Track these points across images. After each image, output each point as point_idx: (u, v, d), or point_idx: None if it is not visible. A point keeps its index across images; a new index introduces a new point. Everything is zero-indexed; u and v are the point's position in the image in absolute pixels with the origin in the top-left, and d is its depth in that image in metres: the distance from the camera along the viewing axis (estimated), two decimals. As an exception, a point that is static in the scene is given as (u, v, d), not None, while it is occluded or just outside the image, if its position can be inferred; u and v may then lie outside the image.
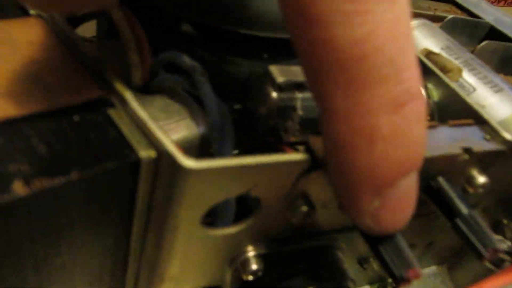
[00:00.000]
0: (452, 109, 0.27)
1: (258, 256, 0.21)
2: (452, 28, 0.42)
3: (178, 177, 0.15)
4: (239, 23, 0.24)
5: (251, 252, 0.21)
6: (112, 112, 0.16)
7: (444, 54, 0.31)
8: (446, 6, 0.48)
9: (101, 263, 0.19)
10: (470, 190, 0.24)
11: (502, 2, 0.75)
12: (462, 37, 0.43)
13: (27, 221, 0.14)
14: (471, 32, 0.44)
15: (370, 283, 0.33)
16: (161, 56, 0.21)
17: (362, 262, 0.29)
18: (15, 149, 0.14)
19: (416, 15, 0.39)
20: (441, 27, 0.42)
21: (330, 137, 0.15)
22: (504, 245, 0.32)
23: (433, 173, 0.23)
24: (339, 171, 0.16)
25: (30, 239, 0.14)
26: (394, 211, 0.16)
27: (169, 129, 0.20)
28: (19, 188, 0.13)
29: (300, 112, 0.24)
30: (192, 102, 0.21)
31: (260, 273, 0.22)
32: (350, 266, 0.28)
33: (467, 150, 0.22)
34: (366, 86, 0.14)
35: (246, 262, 0.21)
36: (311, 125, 0.23)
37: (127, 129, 0.16)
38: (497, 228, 0.33)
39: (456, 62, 0.30)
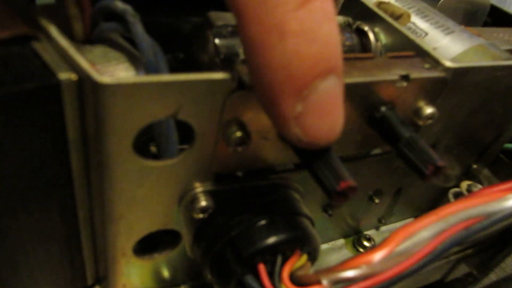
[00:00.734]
0: (399, 50, 0.27)
1: (207, 193, 0.22)
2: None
3: (98, 97, 0.16)
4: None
5: (198, 189, 0.22)
6: (36, 45, 0.17)
7: (397, 4, 0.32)
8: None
9: (46, 206, 0.20)
10: (419, 122, 0.25)
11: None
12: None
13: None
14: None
15: (345, 237, 0.34)
16: (96, 6, 0.22)
17: (327, 208, 0.29)
18: None
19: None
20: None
21: (246, 42, 0.16)
22: (475, 188, 0.32)
23: (376, 104, 0.23)
24: (258, 76, 0.16)
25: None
26: (319, 117, 0.17)
27: (107, 71, 0.20)
28: None
29: (242, 58, 0.24)
30: (132, 48, 0.22)
31: (210, 210, 0.22)
32: (316, 216, 0.29)
33: (404, 77, 0.22)
34: None
35: (195, 199, 0.22)
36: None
37: (49, 58, 0.17)
38: (468, 173, 0.33)
39: (405, 8, 0.30)
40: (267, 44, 0.15)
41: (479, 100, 0.27)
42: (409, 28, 0.30)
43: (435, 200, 0.35)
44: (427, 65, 0.24)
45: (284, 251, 0.22)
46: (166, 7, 0.27)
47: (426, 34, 0.30)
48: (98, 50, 0.21)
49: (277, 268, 0.21)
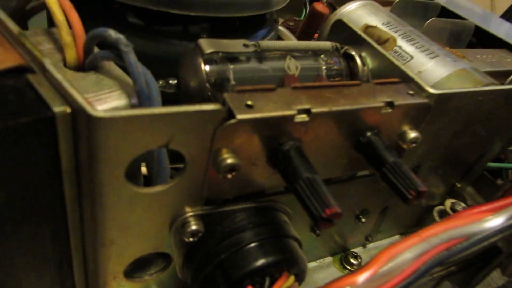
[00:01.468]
0: (386, 75, 0.28)
1: (197, 217, 0.22)
2: (404, 10, 0.44)
3: (92, 129, 0.16)
4: (171, 4, 0.26)
5: (189, 213, 0.22)
6: (31, 77, 0.18)
7: (384, 28, 0.33)
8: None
9: (39, 232, 0.20)
10: (404, 145, 0.25)
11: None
12: (415, 19, 0.45)
13: None
14: (423, 13, 0.46)
15: (332, 254, 0.34)
16: (89, 34, 0.22)
17: (315, 228, 0.29)
18: None
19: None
20: (391, 9, 0.43)
21: None
22: (459, 206, 0.33)
23: (362, 129, 0.24)
24: None
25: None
26: None
27: (100, 99, 0.21)
28: None
29: (233, 83, 0.25)
30: (124, 76, 0.22)
31: (200, 234, 0.23)
32: (304, 236, 0.29)
33: (389, 103, 0.23)
34: None
35: (185, 224, 0.22)
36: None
37: (44, 91, 0.17)
38: (453, 192, 0.34)
39: (391, 32, 0.31)
40: None
41: (462, 124, 0.28)
42: (396, 52, 0.31)
43: (421, 218, 0.36)
44: (411, 92, 0.25)
45: (272, 273, 0.22)
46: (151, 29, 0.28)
47: (412, 57, 0.31)
48: (91, 78, 0.22)
49: (265, 290, 0.22)
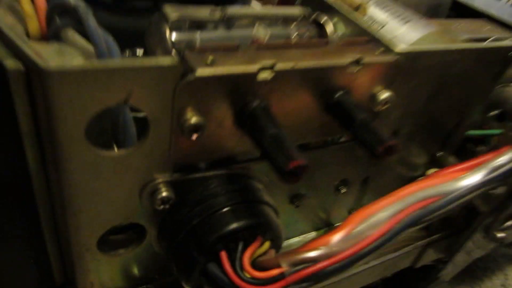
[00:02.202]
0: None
1: (168, 184, 0.22)
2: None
3: (46, 85, 0.16)
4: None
5: (159, 180, 0.22)
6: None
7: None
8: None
9: (3, 204, 0.20)
10: (376, 107, 0.25)
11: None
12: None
13: None
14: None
15: (316, 230, 0.34)
16: (50, 3, 0.22)
17: (293, 200, 0.29)
18: None
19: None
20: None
21: None
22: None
23: (331, 90, 0.23)
24: None
25: None
26: None
27: (61, 66, 0.21)
28: None
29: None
30: (88, 44, 0.22)
31: (172, 201, 0.22)
32: (284, 208, 0.29)
33: (356, 61, 0.23)
34: None
35: (155, 191, 0.22)
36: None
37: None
38: (435, 161, 0.34)
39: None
40: None
41: (435, 85, 0.28)
42: (370, 18, 0.31)
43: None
44: (379, 50, 0.24)
45: (246, 238, 0.22)
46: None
47: (385, 24, 0.31)
48: (54, 47, 0.22)
49: (238, 254, 0.21)
